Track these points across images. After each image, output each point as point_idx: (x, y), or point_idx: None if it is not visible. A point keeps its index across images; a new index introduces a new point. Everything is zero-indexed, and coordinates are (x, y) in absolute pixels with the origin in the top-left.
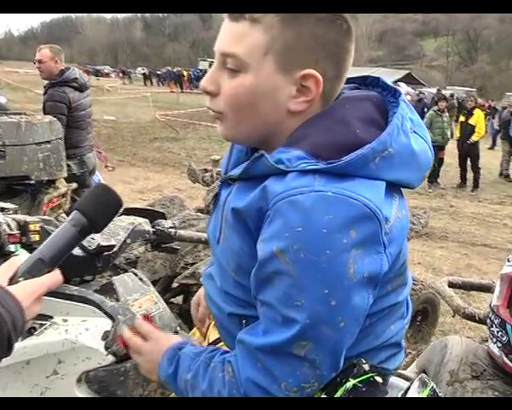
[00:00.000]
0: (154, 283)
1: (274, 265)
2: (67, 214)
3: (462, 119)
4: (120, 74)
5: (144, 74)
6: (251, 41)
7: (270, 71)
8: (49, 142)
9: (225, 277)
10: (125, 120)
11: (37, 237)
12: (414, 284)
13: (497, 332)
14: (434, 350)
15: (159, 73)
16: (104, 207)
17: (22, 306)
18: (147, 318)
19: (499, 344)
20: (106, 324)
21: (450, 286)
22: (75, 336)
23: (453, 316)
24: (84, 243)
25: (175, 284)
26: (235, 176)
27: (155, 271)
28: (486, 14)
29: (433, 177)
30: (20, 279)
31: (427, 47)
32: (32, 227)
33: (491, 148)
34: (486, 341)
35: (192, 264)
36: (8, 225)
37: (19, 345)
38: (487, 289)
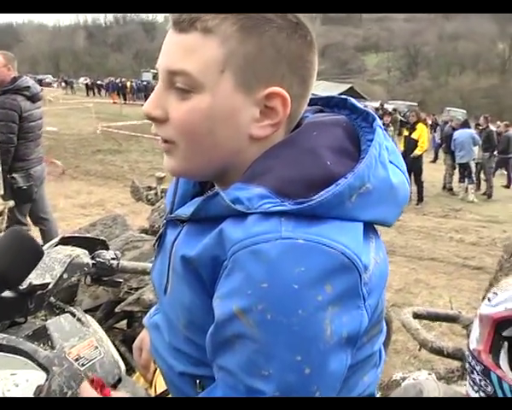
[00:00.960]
0: (97, 308)
1: (234, 327)
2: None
3: (405, 133)
4: (62, 84)
5: (87, 84)
6: (204, 55)
7: (228, 90)
8: None
9: (175, 332)
10: (67, 131)
11: None
12: None
13: (480, 381)
14: (407, 395)
15: (101, 83)
16: (20, 258)
17: None
18: (92, 382)
19: (482, 394)
20: (39, 377)
21: (414, 317)
22: (2, 393)
23: (419, 350)
24: None
25: (118, 309)
26: (183, 217)
27: (97, 296)
28: (426, 30)
29: None
30: None
31: (369, 62)
32: None
33: (434, 161)
34: (452, 373)
35: (136, 288)
36: None
37: None
38: (454, 319)
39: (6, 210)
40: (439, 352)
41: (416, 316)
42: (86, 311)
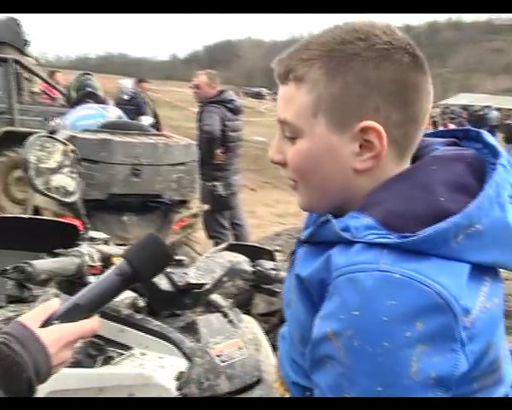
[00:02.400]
0: (272, 314)
1: (326, 348)
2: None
3: None
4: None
5: None
6: (297, 104)
7: (323, 132)
8: (183, 163)
9: (292, 343)
10: None
11: None
12: None
13: None
14: None
15: None
16: (152, 259)
17: (48, 351)
18: None
19: None
20: (182, 364)
21: None
22: (150, 371)
23: None
24: (175, 277)
25: None
26: (303, 239)
27: (272, 302)
28: None
29: None
30: (55, 322)
31: None
32: (114, 260)
33: None
34: None
35: None
36: (91, 257)
37: (95, 371)
38: None
39: (201, 212)
40: None
41: None
42: (262, 315)
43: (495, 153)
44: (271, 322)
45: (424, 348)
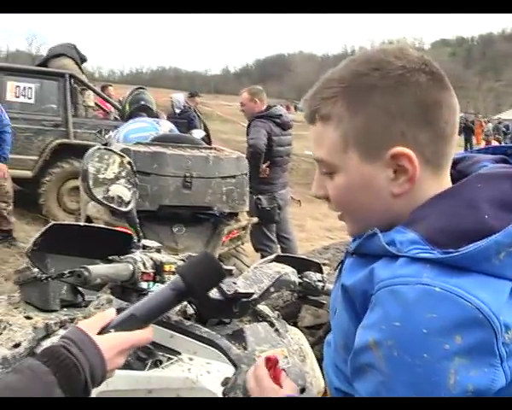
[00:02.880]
0: (318, 327)
1: (367, 356)
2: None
3: None
4: None
5: None
6: (328, 142)
7: (355, 164)
8: (233, 176)
9: (336, 350)
10: None
11: (171, 278)
12: None
13: None
14: None
15: None
16: (204, 276)
17: (104, 356)
18: (269, 360)
19: None
20: (228, 370)
21: None
22: (196, 376)
23: None
24: (224, 286)
25: None
26: (350, 250)
27: (319, 315)
28: None
29: None
30: (111, 331)
31: None
32: (166, 268)
33: None
34: None
35: None
36: (144, 264)
37: (144, 374)
38: None
39: (249, 225)
40: None
41: None
42: (308, 328)
43: None
44: (317, 335)
45: (462, 362)
